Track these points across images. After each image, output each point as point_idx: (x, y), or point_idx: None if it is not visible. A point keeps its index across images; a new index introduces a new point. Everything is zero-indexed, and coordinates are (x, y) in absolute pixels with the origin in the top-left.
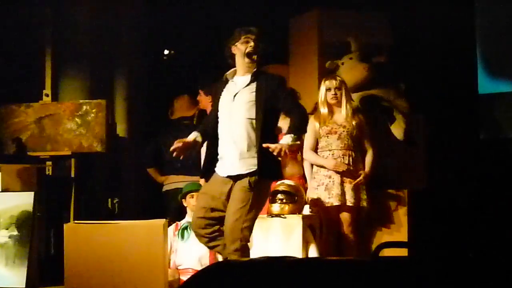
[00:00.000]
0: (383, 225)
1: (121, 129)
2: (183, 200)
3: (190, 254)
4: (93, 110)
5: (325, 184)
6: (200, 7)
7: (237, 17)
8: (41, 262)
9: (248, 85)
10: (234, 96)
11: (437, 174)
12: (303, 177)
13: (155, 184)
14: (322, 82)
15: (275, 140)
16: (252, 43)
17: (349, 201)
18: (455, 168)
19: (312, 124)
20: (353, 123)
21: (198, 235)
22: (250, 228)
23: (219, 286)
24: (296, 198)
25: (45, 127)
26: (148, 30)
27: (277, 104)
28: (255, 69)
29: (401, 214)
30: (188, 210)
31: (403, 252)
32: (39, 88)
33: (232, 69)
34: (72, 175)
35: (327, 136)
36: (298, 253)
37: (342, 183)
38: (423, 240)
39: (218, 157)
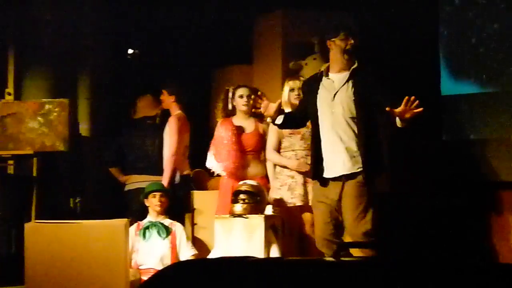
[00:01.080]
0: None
1: (84, 129)
2: (145, 199)
3: (151, 254)
4: (56, 109)
5: (288, 184)
6: (164, 7)
7: (201, 17)
8: (1, 261)
9: (346, 82)
10: (334, 95)
11: (399, 175)
12: (266, 177)
13: (117, 183)
14: (286, 83)
15: (379, 136)
16: (351, 41)
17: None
18: (417, 169)
19: None
20: None
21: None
22: (371, 224)
23: (179, 286)
24: (258, 198)
25: (7, 125)
26: (112, 29)
27: (376, 98)
28: (353, 66)
29: None
30: (150, 209)
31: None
32: (1, 86)
33: (326, 64)
34: (34, 174)
35: (290, 136)
36: (260, 254)
37: (305, 184)
38: (385, 241)
39: (323, 158)
